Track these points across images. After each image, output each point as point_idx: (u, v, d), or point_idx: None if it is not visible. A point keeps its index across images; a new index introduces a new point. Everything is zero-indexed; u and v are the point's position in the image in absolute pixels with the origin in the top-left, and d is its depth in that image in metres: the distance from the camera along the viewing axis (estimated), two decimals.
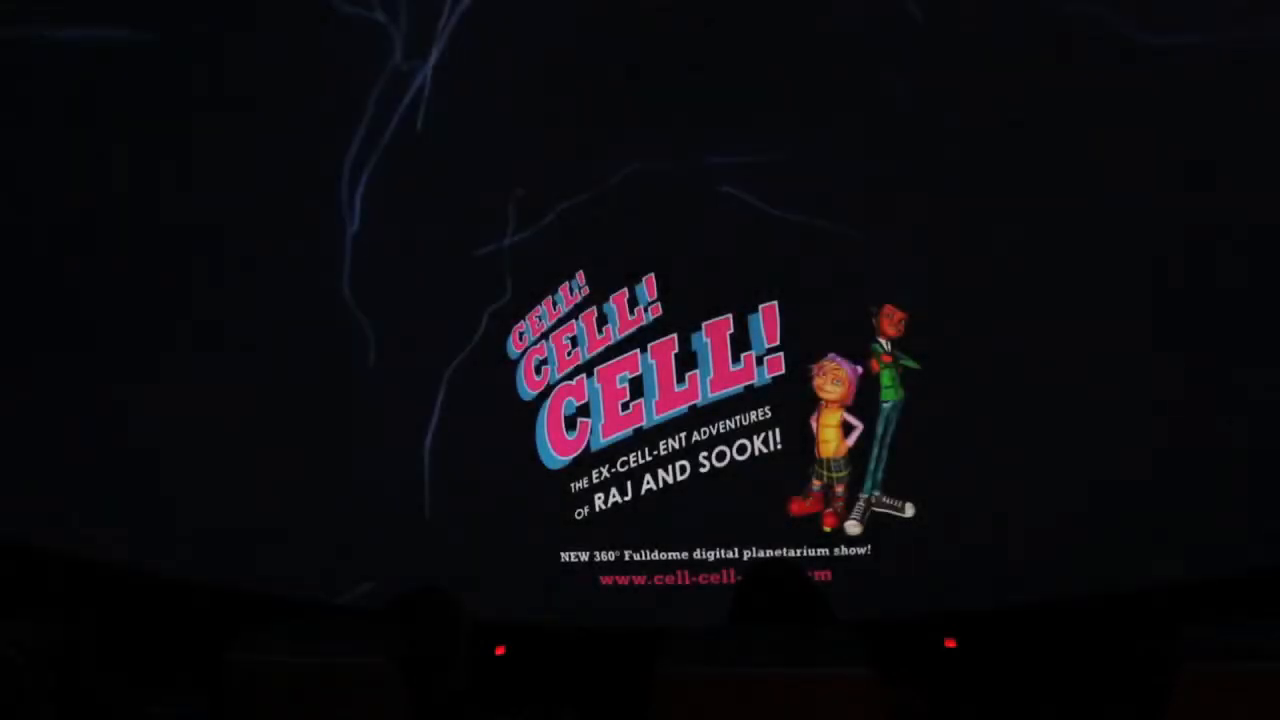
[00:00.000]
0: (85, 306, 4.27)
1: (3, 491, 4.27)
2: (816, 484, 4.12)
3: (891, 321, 4.04)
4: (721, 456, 4.13)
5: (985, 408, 3.95)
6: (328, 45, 4.14)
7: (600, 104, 4.11)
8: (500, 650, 4.02)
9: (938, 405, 4.00)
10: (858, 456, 4.09)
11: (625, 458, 4.20)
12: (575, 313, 4.23)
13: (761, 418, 4.11)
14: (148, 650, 3.37)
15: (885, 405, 4.06)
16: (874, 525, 4.10)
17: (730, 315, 4.12)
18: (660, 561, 4.20)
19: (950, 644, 3.93)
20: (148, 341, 4.24)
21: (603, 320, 4.21)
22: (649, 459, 4.18)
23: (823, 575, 4.06)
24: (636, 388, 4.19)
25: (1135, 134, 3.83)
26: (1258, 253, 3.82)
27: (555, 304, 4.24)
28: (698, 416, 4.16)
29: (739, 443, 4.12)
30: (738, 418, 4.12)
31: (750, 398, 4.12)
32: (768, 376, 4.11)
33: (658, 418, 4.18)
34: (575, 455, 4.24)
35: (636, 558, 4.21)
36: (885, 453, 4.08)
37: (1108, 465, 3.90)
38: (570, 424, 4.24)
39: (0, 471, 4.29)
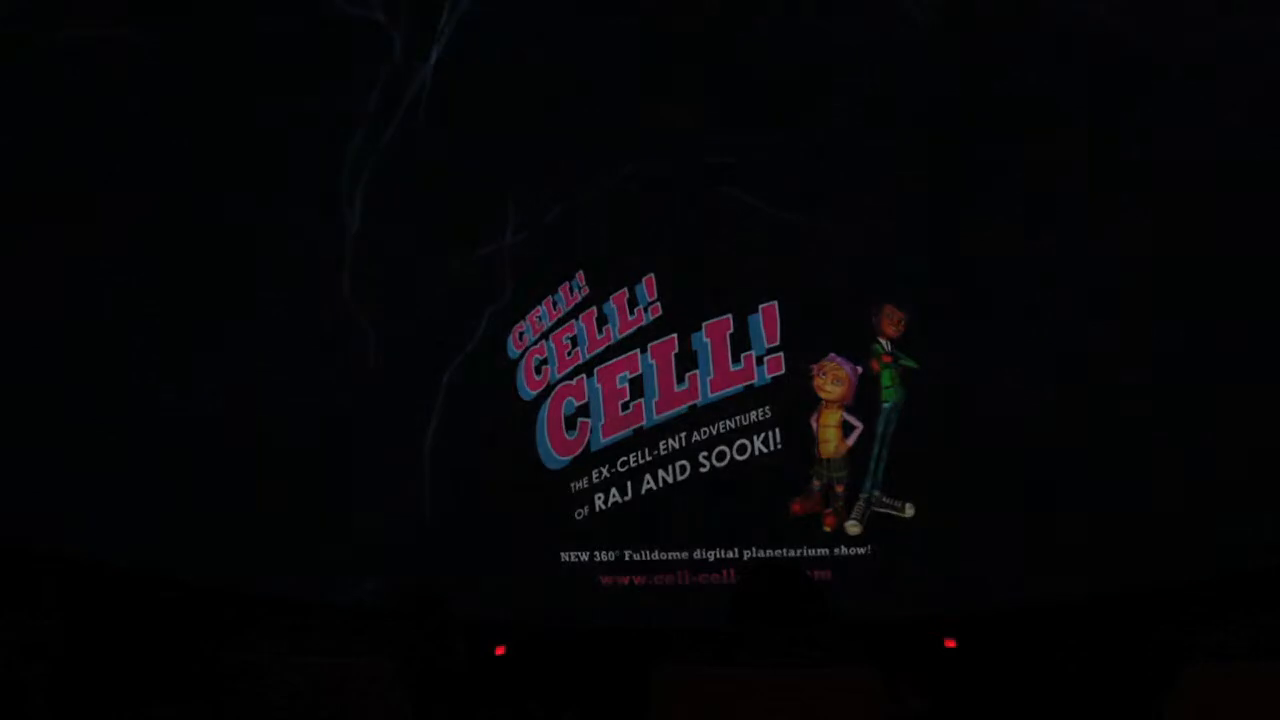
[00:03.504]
0: (83, 307, 4.27)
1: (3, 491, 4.27)
2: (816, 484, 4.12)
3: (891, 321, 4.04)
4: (721, 456, 4.13)
5: (985, 407, 3.94)
6: (328, 45, 4.14)
7: (601, 103, 4.12)
8: (500, 650, 4.02)
9: (938, 405, 4.00)
10: (858, 456, 4.09)
11: (625, 458, 4.20)
12: (575, 313, 4.23)
13: (761, 418, 4.11)
14: (148, 650, 3.36)
15: (885, 405, 4.06)
16: (874, 525, 4.10)
17: (730, 315, 4.13)
18: (660, 561, 4.20)
19: (950, 644, 3.93)
20: (148, 341, 4.24)
21: (603, 320, 4.21)
22: (649, 459, 4.18)
23: (823, 575, 4.06)
24: (636, 388, 4.19)
25: (1135, 133, 3.83)
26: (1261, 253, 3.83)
27: (555, 304, 4.24)
28: (698, 416, 4.16)
29: (739, 443, 4.12)
30: (738, 418, 4.12)
31: (750, 398, 4.12)
32: (768, 376, 4.11)
33: (657, 417, 4.18)
34: (575, 455, 4.24)
35: (636, 558, 4.21)
36: (885, 452, 4.08)
37: (1108, 465, 3.90)
38: (570, 424, 4.24)
39: (2, 471, 4.29)
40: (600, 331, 4.20)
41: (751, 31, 4.04)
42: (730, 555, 4.15)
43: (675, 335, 4.16)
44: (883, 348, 4.05)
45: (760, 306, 4.11)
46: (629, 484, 4.19)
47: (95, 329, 4.27)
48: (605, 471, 4.20)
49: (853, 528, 4.10)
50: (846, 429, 4.09)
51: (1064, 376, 3.92)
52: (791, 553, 4.11)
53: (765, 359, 4.10)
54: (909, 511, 4.08)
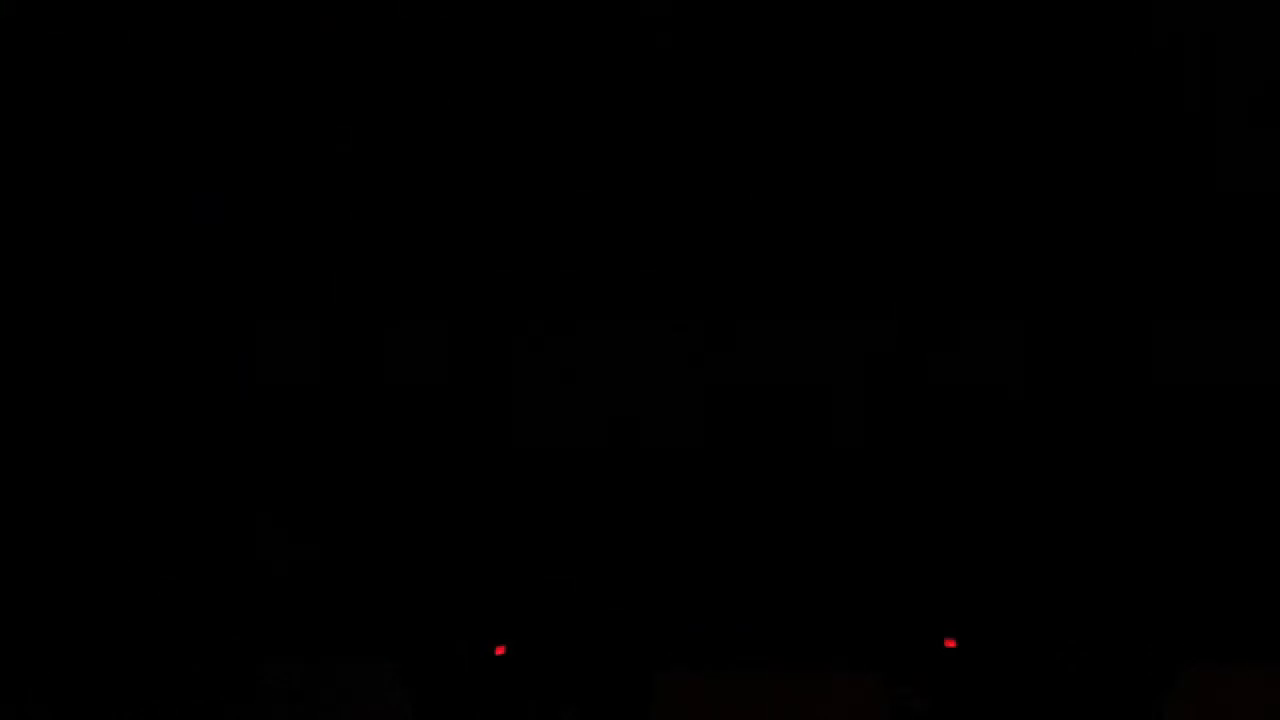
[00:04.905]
0: (82, 312, 4.27)
1: (13, 495, 4.27)
2: None
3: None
4: None
5: (985, 407, 3.95)
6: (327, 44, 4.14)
7: (602, 97, 4.12)
8: (500, 650, 4.01)
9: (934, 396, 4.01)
10: None
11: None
12: (575, 306, 4.22)
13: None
14: (149, 651, 3.37)
15: None
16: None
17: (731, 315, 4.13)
18: (662, 560, 4.19)
19: (950, 644, 3.93)
20: (150, 343, 4.24)
21: (603, 315, 4.21)
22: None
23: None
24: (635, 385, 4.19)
25: (1136, 132, 3.84)
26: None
27: (554, 300, 4.24)
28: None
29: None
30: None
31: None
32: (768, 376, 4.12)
33: (660, 414, 4.18)
34: (574, 454, 4.23)
35: (638, 557, 4.20)
36: None
37: (1107, 464, 3.89)
38: (568, 419, 4.23)
39: (10, 475, 4.29)
40: (599, 324, 4.20)
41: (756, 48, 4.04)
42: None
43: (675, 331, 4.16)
44: None
45: (759, 305, 4.11)
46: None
47: (94, 335, 4.27)
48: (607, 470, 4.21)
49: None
50: None
51: (1067, 373, 3.92)
52: None
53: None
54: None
